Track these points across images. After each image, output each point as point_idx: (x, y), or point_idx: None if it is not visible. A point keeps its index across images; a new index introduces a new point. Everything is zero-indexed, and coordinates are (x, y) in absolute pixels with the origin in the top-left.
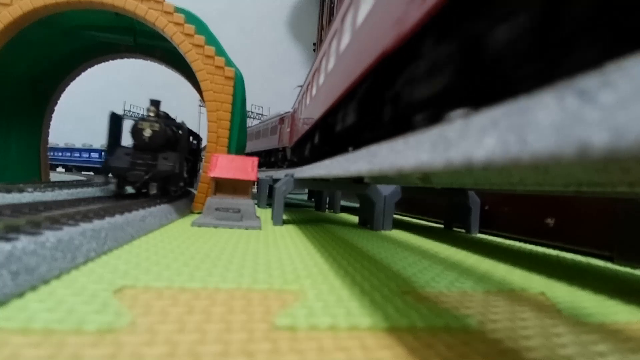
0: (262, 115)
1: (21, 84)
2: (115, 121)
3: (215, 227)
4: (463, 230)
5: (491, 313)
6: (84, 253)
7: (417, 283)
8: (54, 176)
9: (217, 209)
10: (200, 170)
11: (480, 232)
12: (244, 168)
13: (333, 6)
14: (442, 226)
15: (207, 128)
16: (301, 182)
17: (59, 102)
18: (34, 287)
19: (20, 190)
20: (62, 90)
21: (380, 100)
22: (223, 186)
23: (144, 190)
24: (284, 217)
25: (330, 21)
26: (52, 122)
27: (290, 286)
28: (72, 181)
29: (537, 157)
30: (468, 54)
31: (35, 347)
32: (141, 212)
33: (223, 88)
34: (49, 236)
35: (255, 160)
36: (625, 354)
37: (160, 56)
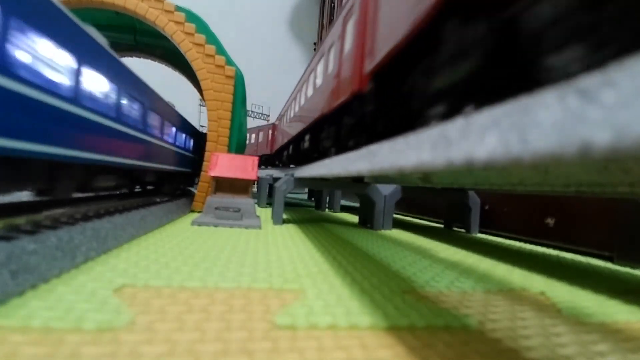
0: (262, 114)
1: None
2: None
3: (215, 226)
4: (463, 230)
5: (491, 313)
6: (84, 252)
7: (417, 282)
8: None
9: (217, 208)
10: None
11: (480, 232)
12: (244, 167)
13: (333, 6)
14: (442, 226)
15: (208, 127)
16: (301, 182)
17: None
18: (33, 286)
19: None
20: None
21: None
22: (223, 185)
23: None
24: (284, 216)
25: (330, 21)
26: None
27: (290, 285)
28: None
29: (538, 157)
30: None
31: (34, 345)
32: (141, 211)
33: (223, 87)
34: (49, 235)
35: (255, 159)
36: (625, 353)
37: (160, 55)
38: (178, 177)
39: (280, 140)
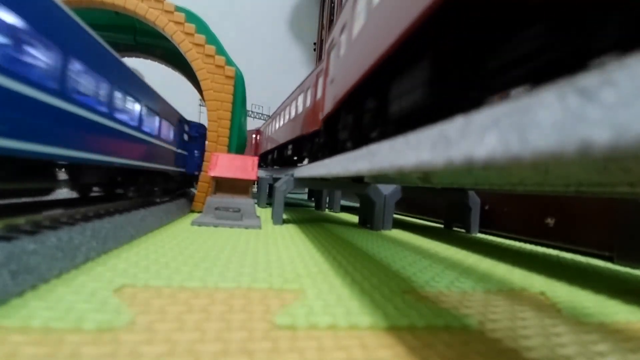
0: (262, 114)
1: None
2: None
3: (215, 226)
4: (463, 230)
5: (491, 313)
6: (84, 252)
7: (417, 282)
8: None
9: (217, 208)
10: None
11: (480, 232)
12: (244, 167)
13: (333, 6)
14: (442, 226)
15: (207, 127)
16: (301, 182)
17: None
18: (34, 286)
19: None
20: None
21: None
22: (223, 185)
23: None
24: (284, 216)
25: (330, 21)
26: None
27: (290, 285)
28: None
29: (538, 156)
30: None
31: (34, 345)
32: (141, 212)
33: (223, 87)
34: (49, 235)
35: (255, 159)
36: (625, 353)
37: (160, 55)
38: (155, 177)
39: (266, 145)
